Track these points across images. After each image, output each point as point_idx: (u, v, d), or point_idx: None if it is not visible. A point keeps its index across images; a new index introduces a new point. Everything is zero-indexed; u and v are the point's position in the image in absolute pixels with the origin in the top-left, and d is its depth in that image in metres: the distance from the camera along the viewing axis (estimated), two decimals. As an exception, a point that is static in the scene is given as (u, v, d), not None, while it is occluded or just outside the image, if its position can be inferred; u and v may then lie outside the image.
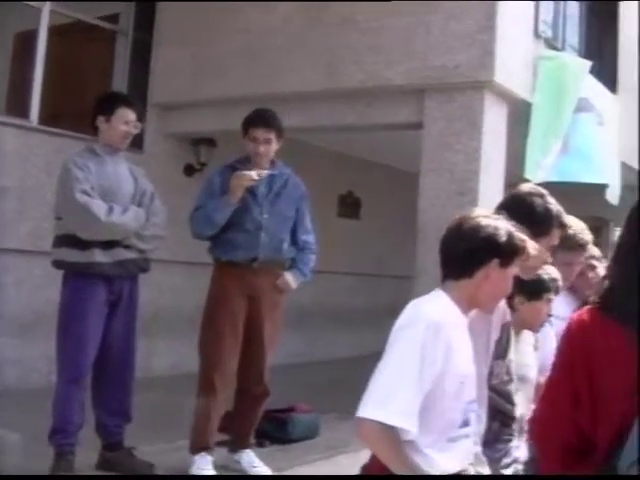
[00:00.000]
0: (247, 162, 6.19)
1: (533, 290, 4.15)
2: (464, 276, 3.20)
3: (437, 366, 3.02)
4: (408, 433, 2.95)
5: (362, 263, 13.69)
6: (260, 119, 6.20)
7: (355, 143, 11.91)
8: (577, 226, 4.96)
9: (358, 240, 13.64)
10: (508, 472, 3.55)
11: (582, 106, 9.86)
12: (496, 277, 3.21)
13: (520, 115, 8.90)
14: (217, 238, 6.14)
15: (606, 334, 2.79)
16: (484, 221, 3.22)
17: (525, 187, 4.05)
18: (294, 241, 6.36)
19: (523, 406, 4.09)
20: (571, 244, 4.73)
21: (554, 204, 3.94)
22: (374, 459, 3.11)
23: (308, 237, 6.45)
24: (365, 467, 3.21)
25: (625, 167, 11.76)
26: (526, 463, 3.93)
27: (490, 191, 8.40)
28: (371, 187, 13.95)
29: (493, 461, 3.44)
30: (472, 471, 3.26)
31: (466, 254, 3.20)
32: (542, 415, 2.99)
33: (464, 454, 3.21)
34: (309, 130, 10.23)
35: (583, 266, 5.27)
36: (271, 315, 6.24)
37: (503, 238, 3.20)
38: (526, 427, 4.09)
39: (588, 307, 2.97)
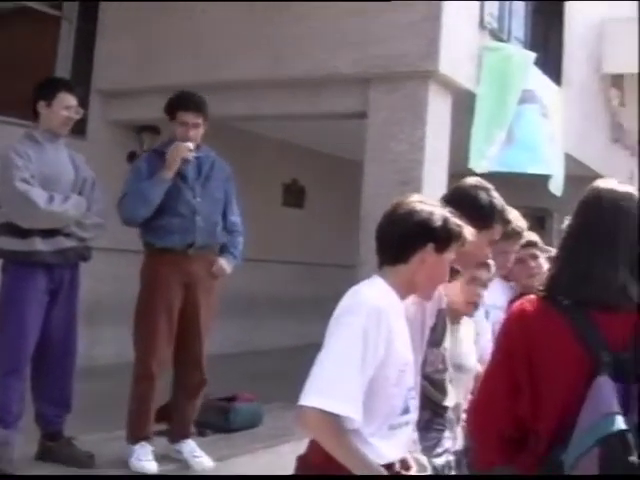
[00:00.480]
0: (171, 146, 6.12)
1: None
2: (400, 261, 3.16)
3: (379, 352, 2.99)
4: (352, 421, 2.91)
5: (307, 252, 13.69)
6: (191, 103, 6.15)
7: (300, 132, 11.90)
8: (512, 214, 4.98)
9: (303, 229, 13.64)
10: (439, 462, 3.55)
11: (526, 97, 9.91)
12: (432, 262, 3.16)
13: (464, 105, 8.93)
14: (149, 224, 6.04)
15: (547, 323, 2.81)
16: (419, 206, 3.18)
17: (470, 180, 4.03)
18: (224, 224, 6.32)
19: (459, 396, 4.11)
20: (506, 232, 4.75)
21: (498, 199, 3.92)
22: (312, 449, 3.08)
23: (236, 219, 6.42)
24: (302, 457, 3.16)
25: (569, 158, 11.86)
26: (457, 453, 3.96)
27: (434, 181, 8.43)
28: (316, 176, 13.94)
29: (424, 450, 3.43)
30: (412, 459, 3.26)
31: (401, 239, 3.16)
32: (480, 405, 3.00)
33: (405, 442, 3.20)
34: (254, 118, 10.23)
35: (524, 255, 5.30)
36: (206, 302, 6.20)
37: (438, 222, 3.16)
38: (463, 416, 4.13)
39: (530, 296, 3.00)
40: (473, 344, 4.27)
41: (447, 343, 3.80)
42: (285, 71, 9.18)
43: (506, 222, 4.03)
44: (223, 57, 9.45)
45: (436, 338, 3.61)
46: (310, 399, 2.87)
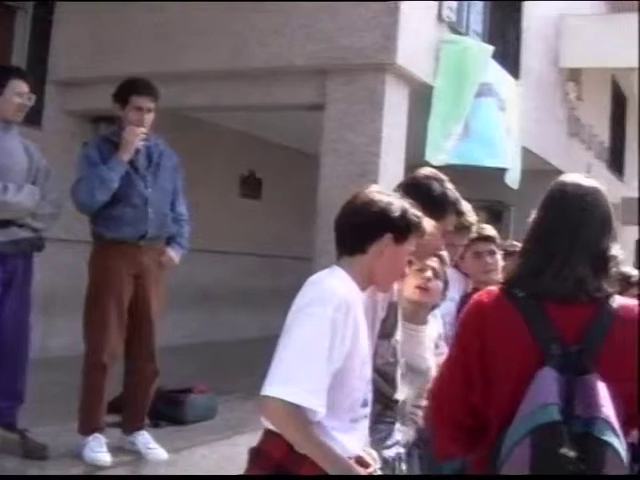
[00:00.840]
0: (121, 133, 6.07)
1: None
2: (358, 252, 3.15)
3: (346, 344, 2.99)
4: (316, 414, 2.90)
5: (264, 244, 13.67)
6: (147, 88, 6.13)
7: (258, 123, 11.89)
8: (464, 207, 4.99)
9: (260, 221, 13.61)
10: (390, 454, 3.56)
11: (484, 91, 9.96)
12: (390, 253, 3.16)
13: (422, 98, 8.96)
14: (101, 214, 5.98)
15: (501, 315, 2.84)
16: (377, 196, 3.17)
17: (424, 171, 4.05)
18: (172, 215, 6.31)
19: (410, 393, 4.13)
20: (456, 225, 4.76)
21: (452, 190, 3.95)
22: (270, 441, 3.05)
23: (183, 209, 6.41)
24: (259, 450, 3.10)
25: (526, 152, 11.94)
26: (407, 445, 3.99)
27: (391, 173, 8.45)
28: (273, 167, 13.91)
29: (375, 442, 3.44)
30: (367, 456, 3.25)
31: (359, 229, 3.15)
32: (437, 394, 3.02)
33: (363, 435, 3.20)
34: (212, 109, 10.20)
35: (482, 250, 5.30)
36: (156, 292, 6.18)
37: (396, 213, 3.15)
38: (410, 412, 4.16)
39: (490, 287, 3.03)
40: (432, 349, 4.27)
41: (398, 336, 3.81)
42: (244, 62, 9.16)
43: (460, 213, 4.06)
44: (182, 47, 9.40)
45: (387, 330, 3.61)
46: (274, 389, 2.85)
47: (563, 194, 2.93)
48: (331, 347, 2.91)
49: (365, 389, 3.15)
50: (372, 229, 3.14)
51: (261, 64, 9.08)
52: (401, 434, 3.74)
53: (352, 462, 3.03)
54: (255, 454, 3.09)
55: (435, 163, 8.62)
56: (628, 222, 18.80)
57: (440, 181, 3.94)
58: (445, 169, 8.50)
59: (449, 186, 3.96)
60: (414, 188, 3.78)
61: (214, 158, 12.22)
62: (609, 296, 2.82)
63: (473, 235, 5.10)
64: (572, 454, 2.55)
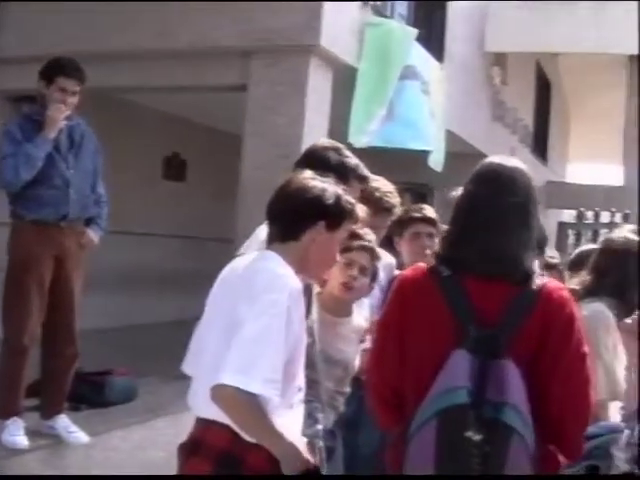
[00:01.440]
0: (44, 112, 5.96)
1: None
2: (290, 239, 3.12)
3: (297, 331, 2.98)
4: (269, 402, 2.86)
5: (187, 226, 13.57)
6: (75, 71, 6.03)
7: (182, 104, 11.79)
8: (384, 189, 4.97)
9: (183, 203, 13.51)
10: (309, 432, 3.57)
11: (407, 74, 9.99)
12: (323, 241, 3.14)
13: (345, 80, 8.97)
14: (21, 194, 5.89)
15: (424, 292, 2.90)
16: (311, 182, 3.16)
17: (321, 142, 4.09)
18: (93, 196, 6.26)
19: (329, 381, 4.14)
20: (377, 207, 4.75)
21: (351, 157, 3.97)
22: (214, 433, 2.99)
23: (102, 191, 6.35)
24: (194, 442, 3.06)
25: (450, 135, 12.01)
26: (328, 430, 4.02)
27: (314, 155, 8.43)
28: (197, 149, 13.80)
29: None
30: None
31: (292, 216, 3.13)
32: (368, 370, 3.14)
33: (300, 419, 3.19)
34: (136, 89, 10.11)
35: (421, 232, 5.20)
36: (77, 274, 6.13)
37: (330, 200, 3.13)
38: (330, 398, 4.18)
39: (418, 265, 3.06)
40: (354, 343, 4.27)
41: (314, 315, 3.81)
42: (168, 43, 9.08)
43: (362, 179, 4.04)
44: (107, 27, 9.28)
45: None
46: (233, 378, 2.78)
47: (488, 174, 2.99)
48: (287, 334, 2.88)
49: (301, 374, 3.14)
50: (306, 216, 3.12)
51: (186, 45, 9.01)
52: (321, 413, 3.76)
53: (302, 448, 3.01)
54: (194, 446, 3.05)
55: (358, 145, 8.65)
56: (552, 205, 19.06)
57: (337, 150, 3.97)
58: (369, 152, 8.59)
59: (347, 154, 3.98)
60: (312, 160, 3.81)
61: (137, 139, 12.09)
62: (532, 277, 2.86)
63: (415, 215, 5.09)
64: (477, 437, 2.59)
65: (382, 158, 8.64)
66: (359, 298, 4.30)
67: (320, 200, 3.13)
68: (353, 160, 3.97)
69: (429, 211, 5.24)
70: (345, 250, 4.03)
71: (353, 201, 3.24)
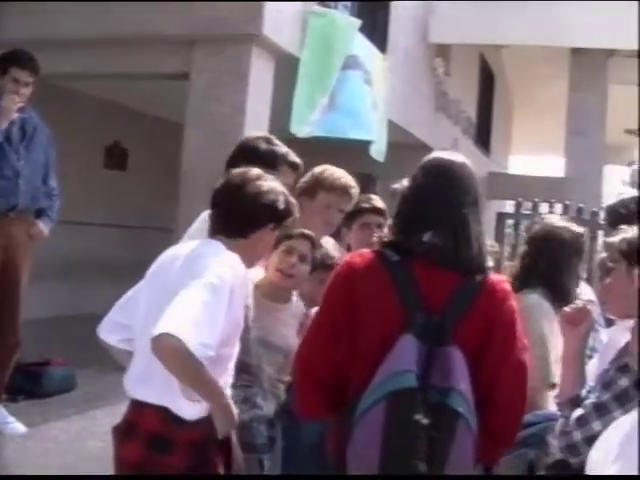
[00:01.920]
0: None
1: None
2: (239, 236, 3.28)
3: (237, 316, 3.13)
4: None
5: (129, 215, 13.49)
6: (29, 62, 6.03)
7: (124, 92, 11.72)
8: (339, 173, 4.99)
9: (125, 192, 13.41)
10: (246, 416, 3.58)
11: (350, 63, 10.01)
12: (268, 239, 3.38)
13: (288, 70, 8.95)
14: None
15: (372, 277, 2.93)
16: (265, 186, 3.32)
17: (253, 134, 4.24)
18: (44, 188, 6.24)
19: (269, 368, 4.14)
20: (326, 185, 4.80)
21: (280, 146, 4.14)
22: (140, 413, 3.08)
23: (54, 184, 6.35)
24: (126, 424, 3.14)
25: (392, 125, 12.05)
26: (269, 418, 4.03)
27: (255, 145, 8.42)
28: (139, 138, 13.70)
29: None
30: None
31: (247, 218, 3.29)
32: (302, 352, 3.10)
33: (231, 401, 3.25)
34: (78, 77, 10.03)
35: (371, 222, 5.18)
36: (25, 265, 6.14)
37: (282, 205, 3.34)
38: (271, 386, 4.19)
39: (363, 250, 3.10)
40: (296, 326, 4.27)
41: (249, 300, 3.82)
42: (111, 30, 8.99)
43: (293, 165, 4.18)
44: (50, 14, 9.17)
45: None
46: (171, 328, 2.82)
47: (439, 168, 3.07)
48: (227, 312, 2.99)
49: (233, 360, 3.24)
50: (259, 220, 3.31)
51: (128, 32, 8.93)
52: (259, 398, 3.79)
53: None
54: (127, 428, 3.13)
55: (300, 135, 8.66)
56: (493, 196, 19.20)
57: (267, 140, 4.13)
58: (312, 141, 8.60)
59: (277, 143, 4.14)
60: (243, 151, 4.02)
61: (78, 128, 11.96)
62: (477, 267, 2.93)
63: (364, 206, 5.08)
64: (425, 421, 2.63)
65: (325, 148, 8.66)
66: (299, 285, 4.32)
67: (275, 206, 3.33)
68: (282, 148, 4.13)
69: (377, 201, 5.25)
70: (285, 238, 4.08)
71: (294, 201, 3.45)
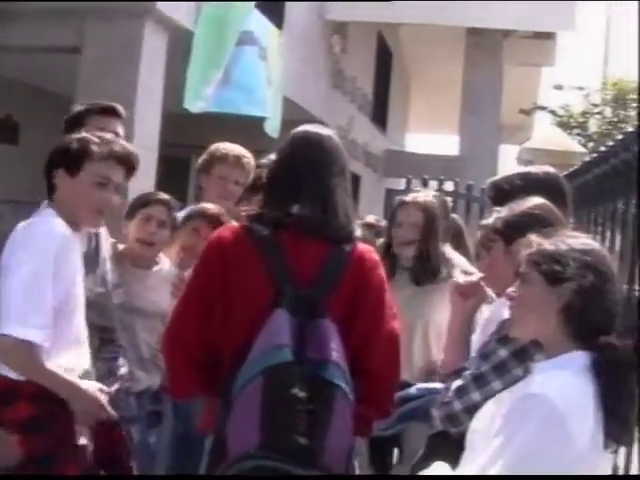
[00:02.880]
0: None
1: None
2: (51, 191, 3.24)
3: (68, 277, 3.08)
4: (41, 347, 2.95)
5: (20, 190, 13.24)
6: None
7: (15, 65, 11.44)
8: (231, 146, 5.03)
9: (16, 166, 13.15)
10: (111, 389, 3.58)
11: (245, 39, 9.96)
12: (68, 187, 3.21)
13: (182, 45, 8.90)
14: None
15: (242, 251, 2.96)
16: (74, 135, 3.30)
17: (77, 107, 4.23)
18: None
19: (148, 336, 4.15)
20: (218, 155, 4.85)
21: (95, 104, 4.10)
22: None
23: None
24: None
25: (287, 102, 12.05)
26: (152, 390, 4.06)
27: (148, 119, 8.41)
28: (31, 112, 13.44)
29: (97, 379, 3.46)
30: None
31: (46, 169, 3.25)
32: (171, 330, 3.10)
33: (86, 355, 3.29)
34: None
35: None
36: None
37: (62, 147, 3.27)
38: (152, 356, 4.20)
39: (232, 224, 3.14)
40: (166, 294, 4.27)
41: (107, 266, 3.80)
42: (2, 3, 8.80)
43: (101, 109, 4.08)
44: None
45: (90, 264, 3.58)
46: (9, 328, 2.90)
47: (308, 141, 3.10)
48: (54, 282, 2.98)
49: (78, 325, 3.23)
50: (51, 167, 3.25)
51: (19, 5, 8.74)
52: (124, 369, 3.73)
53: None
54: None
55: (194, 110, 8.63)
56: (390, 174, 19.39)
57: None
58: (206, 117, 8.58)
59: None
60: (69, 118, 4.09)
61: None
62: (346, 237, 2.98)
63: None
64: (302, 394, 2.67)
65: (220, 124, 8.65)
66: (160, 251, 4.34)
67: (58, 148, 3.27)
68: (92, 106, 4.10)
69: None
70: (142, 205, 4.09)
71: (97, 140, 3.27)
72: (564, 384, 2.30)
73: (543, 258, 2.43)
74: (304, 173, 3.02)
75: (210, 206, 4.50)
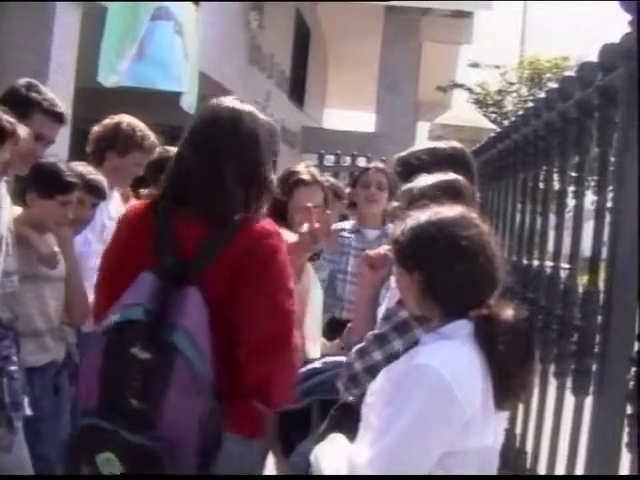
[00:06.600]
0: None
1: (46, 187, 4.08)
2: None
3: None
4: None
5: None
6: None
7: None
8: (145, 129, 5.05)
9: None
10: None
11: (161, 14, 9.88)
12: None
13: (96, 19, 8.85)
14: None
15: (140, 223, 3.06)
16: None
17: (21, 80, 4.08)
18: None
19: (54, 303, 4.15)
20: (132, 144, 4.87)
21: (42, 94, 4.03)
22: None
23: None
24: None
25: (204, 77, 12.02)
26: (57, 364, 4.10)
27: (60, 94, 8.28)
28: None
29: None
30: None
31: None
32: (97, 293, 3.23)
33: None
34: None
35: None
36: None
37: None
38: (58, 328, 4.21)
39: (144, 201, 3.20)
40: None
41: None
42: None
43: (50, 113, 4.05)
44: None
45: None
46: None
47: (210, 115, 3.09)
48: None
49: None
50: None
51: None
52: (11, 349, 3.59)
53: None
54: None
55: (107, 84, 8.55)
56: (307, 150, 19.46)
57: (29, 87, 4.02)
58: (122, 91, 8.54)
59: (38, 90, 4.03)
60: (6, 96, 3.94)
61: None
62: (232, 213, 2.96)
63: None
64: (144, 356, 2.65)
65: (134, 98, 8.63)
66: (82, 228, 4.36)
67: None
68: (42, 96, 4.02)
69: None
70: (61, 192, 4.07)
71: (13, 120, 3.33)
72: (449, 353, 2.38)
73: (396, 245, 2.56)
74: (204, 149, 3.01)
75: (92, 177, 4.46)
